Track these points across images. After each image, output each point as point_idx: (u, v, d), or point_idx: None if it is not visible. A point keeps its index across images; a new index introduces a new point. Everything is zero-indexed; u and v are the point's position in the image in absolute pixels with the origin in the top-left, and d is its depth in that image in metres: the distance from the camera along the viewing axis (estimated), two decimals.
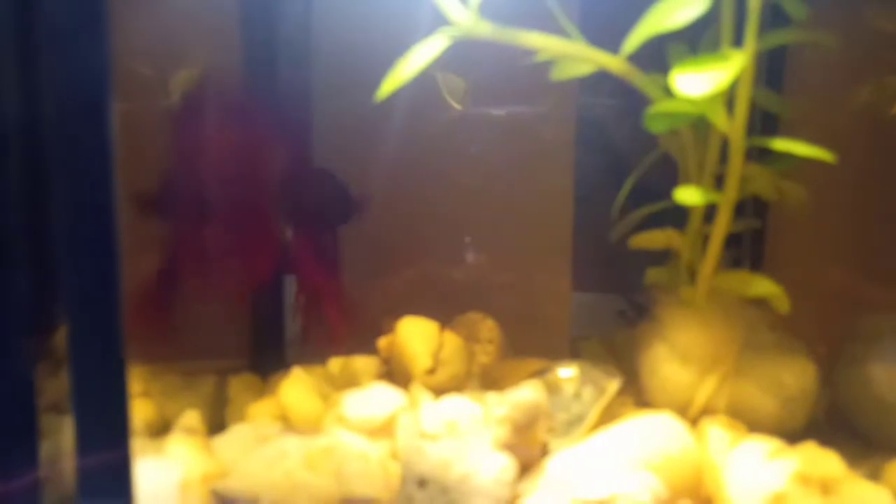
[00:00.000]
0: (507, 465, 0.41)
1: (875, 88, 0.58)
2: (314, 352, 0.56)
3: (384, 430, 0.47)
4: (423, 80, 0.47)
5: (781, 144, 0.45)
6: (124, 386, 0.33)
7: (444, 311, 0.57)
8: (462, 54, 0.47)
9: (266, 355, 0.59)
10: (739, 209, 0.52)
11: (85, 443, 0.33)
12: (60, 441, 0.35)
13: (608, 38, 0.46)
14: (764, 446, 0.45)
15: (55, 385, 0.34)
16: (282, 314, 0.61)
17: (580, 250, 0.63)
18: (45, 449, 0.34)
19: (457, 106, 0.47)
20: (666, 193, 0.48)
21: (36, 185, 0.33)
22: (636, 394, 0.52)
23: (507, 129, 0.62)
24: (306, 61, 0.59)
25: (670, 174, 0.52)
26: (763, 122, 0.57)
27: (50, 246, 0.33)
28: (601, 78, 0.48)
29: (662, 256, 0.54)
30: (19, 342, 0.34)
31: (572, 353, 0.62)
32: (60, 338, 0.33)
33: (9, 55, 0.32)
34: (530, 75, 0.51)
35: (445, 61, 0.47)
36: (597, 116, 0.64)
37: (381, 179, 0.61)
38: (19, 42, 0.32)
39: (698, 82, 0.42)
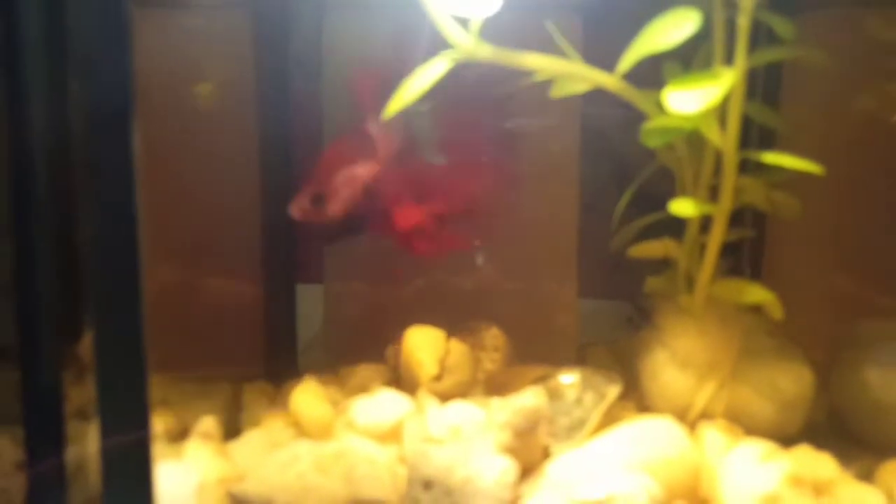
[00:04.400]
0: (508, 467, 0.43)
1: (873, 97, 0.58)
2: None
3: (392, 435, 0.48)
4: (431, 94, 0.48)
5: (771, 157, 0.46)
6: (146, 392, 0.35)
7: (452, 319, 0.58)
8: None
9: (279, 364, 0.61)
10: (738, 219, 0.53)
11: (108, 446, 0.35)
12: (85, 445, 0.37)
13: (612, 53, 0.48)
14: (758, 449, 0.46)
15: (81, 391, 0.36)
16: (294, 324, 0.63)
17: (588, 257, 0.64)
18: (70, 453, 0.36)
19: None
20: (670, 202, 0.49)
21: (63, 196, 0.35)
22: (638, 398, 0.53)
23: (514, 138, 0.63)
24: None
25: (674, 182, 0.53)
26: (761, 134, 0.59)
27: (76, 255, 0.35)
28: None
29: (668, 262, 0.55)
30: (48, 350, 0.35)
31: (579, 359, 0.63)
32: (86, 345, 0.35)
33: (39, 72, 0.34)
34: (536, 85, 0.52)
35: (450, 73, 0.48)
36: (602, 125, 0.65)
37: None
38: (49, 59, 0.34)
39: (689, 99, 0.43)
